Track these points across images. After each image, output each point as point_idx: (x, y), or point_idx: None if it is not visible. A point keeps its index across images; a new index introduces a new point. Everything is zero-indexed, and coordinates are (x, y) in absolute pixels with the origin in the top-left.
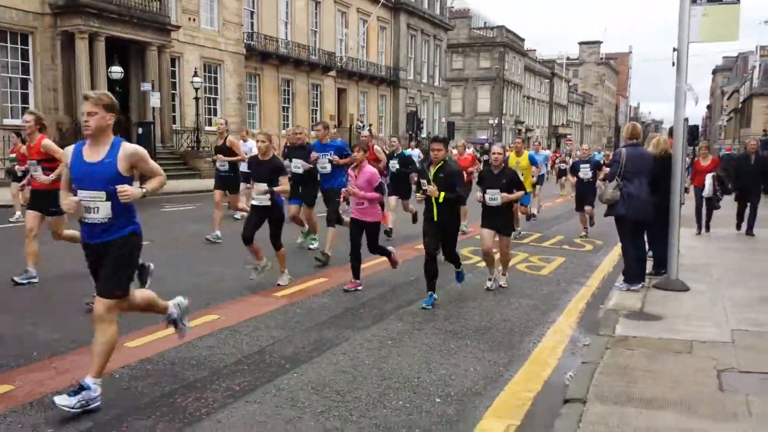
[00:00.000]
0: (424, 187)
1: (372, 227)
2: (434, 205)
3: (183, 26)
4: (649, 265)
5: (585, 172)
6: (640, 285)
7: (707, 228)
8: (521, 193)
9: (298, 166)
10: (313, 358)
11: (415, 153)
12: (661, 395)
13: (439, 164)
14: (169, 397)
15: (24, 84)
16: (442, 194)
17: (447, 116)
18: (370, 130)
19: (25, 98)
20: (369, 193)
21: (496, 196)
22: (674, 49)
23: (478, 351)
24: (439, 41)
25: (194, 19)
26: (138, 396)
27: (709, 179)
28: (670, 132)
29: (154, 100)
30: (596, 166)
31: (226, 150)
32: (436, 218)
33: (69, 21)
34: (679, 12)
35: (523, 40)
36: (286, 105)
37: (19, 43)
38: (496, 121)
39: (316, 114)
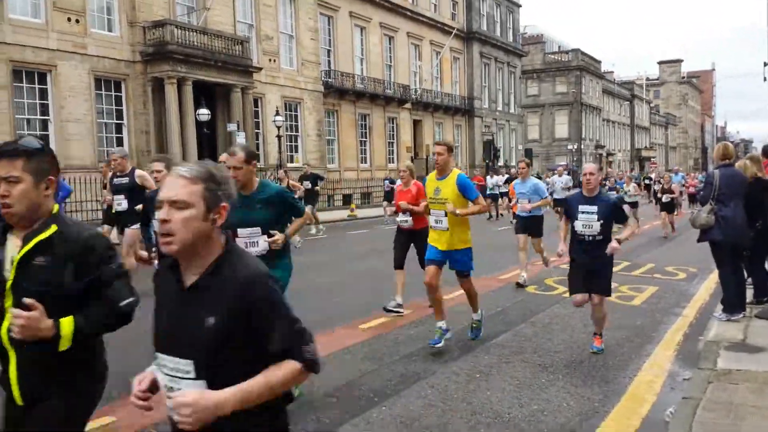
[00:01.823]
0: None
1: None
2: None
3: (264, 67)
4: (749, 293)
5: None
6: (741, 314)
7: None
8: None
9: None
10: (401, 391)
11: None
12: None
13: None
14: None
15: (118, 128)
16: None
17: (524, 143)
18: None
19: (120, 142)
20: None
21: None
22: (765, 64)
23: (570, 386)
24: (513, 68)
25: (274, 60)
26: None
27: None
28: (765, 151)
29: (240, 140)
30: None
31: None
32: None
33: (158, 67)
34: (767, 23)
35: (599, 62)
36: (364, 139)
37: (113, 90)
38: (575, 146)
39: (392, 147)
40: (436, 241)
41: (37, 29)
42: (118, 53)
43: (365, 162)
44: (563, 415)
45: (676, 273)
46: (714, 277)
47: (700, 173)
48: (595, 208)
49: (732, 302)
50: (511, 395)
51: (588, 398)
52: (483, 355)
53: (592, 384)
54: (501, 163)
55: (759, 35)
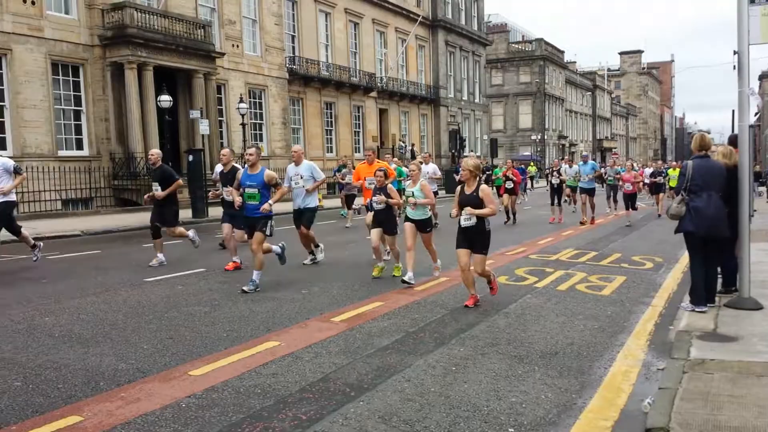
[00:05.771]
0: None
1: None
2: None
3: (227, 53)
4: (719, 282)
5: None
6: (707, 307)
7: None
8: None
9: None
10: (377, 385)
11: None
12: (752, 422)
13: None
14: (237, 427)
15: (77, 115)
16: None
17: (489, 133)
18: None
19: (78, 129)
20: None
21: None
22: (735, 52)
23: (547, 377)
24: (477, 57)
25: (237, 46)
26: (207, 426)
27: None
28: (731, 141)
29: (203, 127)
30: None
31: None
32: None
33: (118, 52)
34: (737, 13)
35: (562, 52)
36: (329, 127)
37: (70, 75)
38: (539, 137)
39: (358, 135)
40: None
41: None
42: (75, 37)
43: (331, 151)
44: (542, 407)
45: (643, 263)
46: (680, 266)
47: (652, 165)
48: None
49: (698, 293)
50: (488, 388)
51: (565, 389)
52: (458, 348)
53: (569, 375)
54: (466, 152)
55: (717, 30)
